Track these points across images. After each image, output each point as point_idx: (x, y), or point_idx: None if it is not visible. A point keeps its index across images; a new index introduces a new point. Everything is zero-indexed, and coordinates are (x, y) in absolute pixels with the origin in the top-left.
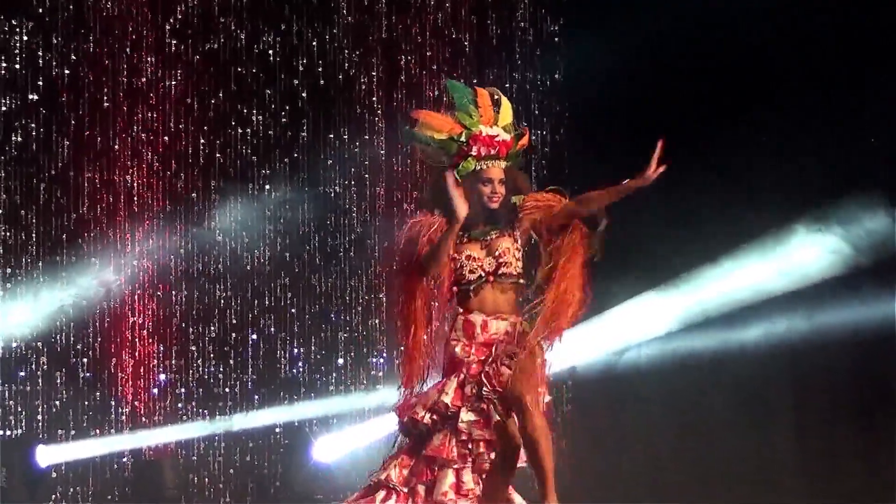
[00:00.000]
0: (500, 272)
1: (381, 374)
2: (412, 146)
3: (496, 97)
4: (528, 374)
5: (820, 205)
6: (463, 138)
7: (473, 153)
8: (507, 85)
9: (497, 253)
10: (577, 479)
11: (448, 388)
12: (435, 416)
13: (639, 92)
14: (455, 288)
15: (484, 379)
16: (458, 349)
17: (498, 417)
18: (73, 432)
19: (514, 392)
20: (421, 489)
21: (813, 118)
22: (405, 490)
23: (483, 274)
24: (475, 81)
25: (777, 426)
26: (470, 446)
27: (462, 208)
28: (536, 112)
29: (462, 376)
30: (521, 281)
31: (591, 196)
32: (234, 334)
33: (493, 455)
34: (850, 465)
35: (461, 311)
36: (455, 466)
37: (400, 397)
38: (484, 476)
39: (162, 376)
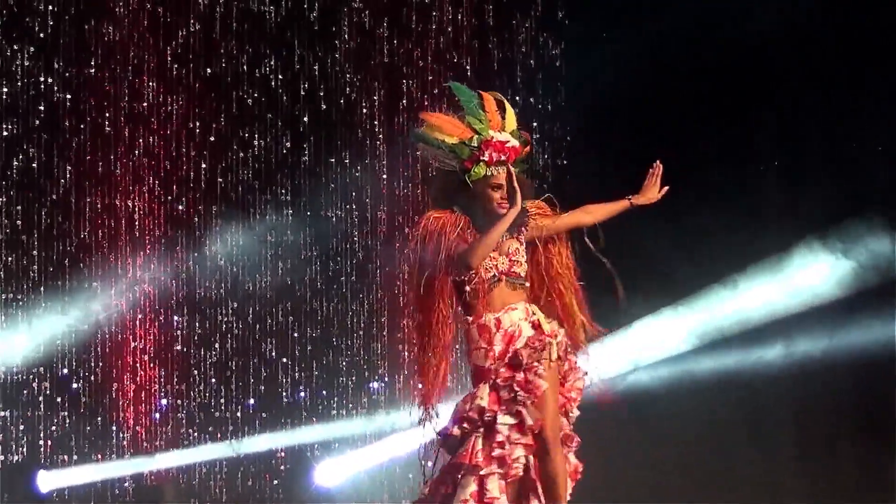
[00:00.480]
0: (512, 270)
1: (382, 398)
2: (418, 147)
3: (501, 102)
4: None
5: (826, 226)
6: (475, 143)
7: (485, 158)
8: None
9: (509, 251)
10: (582, 492)
11: (481, 392)
12: (467, 425)
13: (642, 115)
14: (466, 289)
15: (517, 388)
16: (481, 359)
17: (531, 421)
18: (74, 457)
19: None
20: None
21: (817, 136)
22: None
23: (497, 273)
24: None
25: (782, 446)
26: (507, 448)
27: (519, 198)
28: (538, 135)
29: (492, 380)
30: (527, 283)
31: (596, 207)
32: (235, 359)
33: (529, 458)
34: (850, 484)
35: (469, 318)
36: (481, 473)
37: (422, 415)
38: (512, 482)
39: (163, 401)
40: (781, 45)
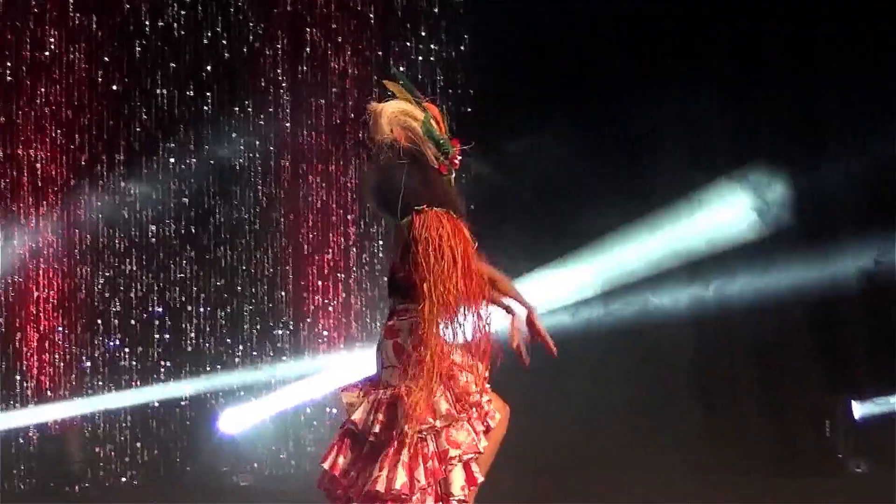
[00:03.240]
0: None
1: (286, 345)
2: (391, 136)
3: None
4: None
5: (729, 174)
6: (449, 143)
7: (456, 161)
8: (413, 57)
9: None
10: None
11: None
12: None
13: (545, 62)
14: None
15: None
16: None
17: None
18: None
19: None
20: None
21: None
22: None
23: None
24: (380, 53)
25: (681, 389)
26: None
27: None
28: (441, 84)
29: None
30: None
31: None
32: (139, 307)
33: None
34: (750, 429)
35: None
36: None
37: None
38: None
39: (66, 350)
40: (690, 17)
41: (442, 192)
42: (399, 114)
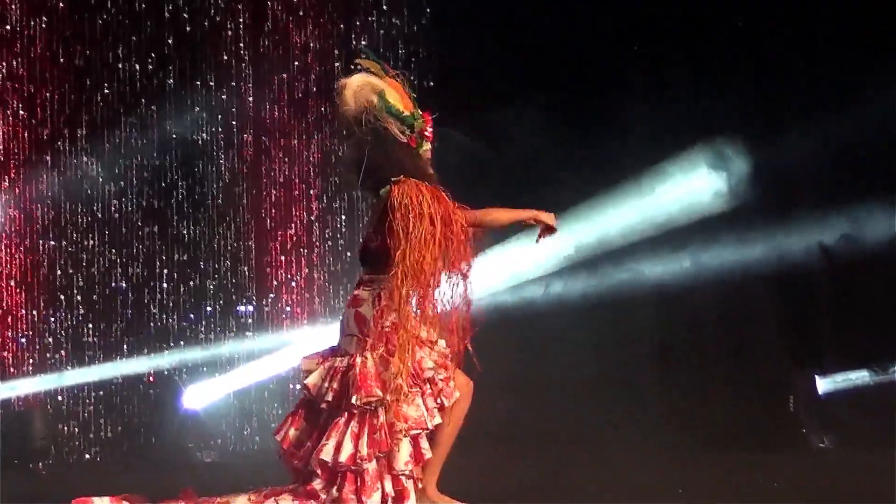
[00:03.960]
0: None
1: (250, 321)
2: (357, 111)
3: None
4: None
5: (691, 148)
6: (419, 117)
7: (427, 133)
8: (375, 31)
9: None
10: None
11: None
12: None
13: (509, 35)
14: None
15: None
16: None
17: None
18: None
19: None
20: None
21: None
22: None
23: None
24: (342, 27)
25: (644, 363)
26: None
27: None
28: (403, 58)
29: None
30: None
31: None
32: (102, 283)
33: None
34: (713, 404)
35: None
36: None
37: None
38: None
39: (29, 326)
40: None
41: (411, 166)
42: (361, 87)
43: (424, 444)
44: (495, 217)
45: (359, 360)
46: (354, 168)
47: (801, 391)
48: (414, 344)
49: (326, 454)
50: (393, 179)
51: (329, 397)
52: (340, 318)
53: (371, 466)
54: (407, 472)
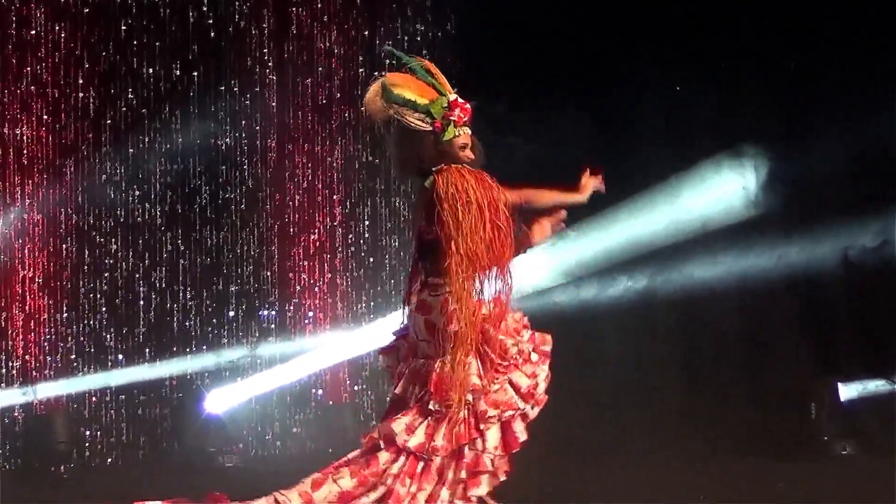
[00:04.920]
0: None
1: (272, 326)
2: (376, 107)
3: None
4: None
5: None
6: (444, 104)
7: (454, 119)
8: (399, 37)
9: None
10: None
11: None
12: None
13: (532, 43)
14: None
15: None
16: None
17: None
18: None
19: None
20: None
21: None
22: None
23: None
24: (366, 33)
25: (666, 371)
26: None
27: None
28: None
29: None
30: None
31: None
32: (125, 288)
33: None
34: (735, 411)
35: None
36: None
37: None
38: None
39: (52, 330)
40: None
41: (436, 153)
42: (371, 92)
43: (518, 426)
44: (545, 197)
45: (437, 364)
46: (394, 165)
47: (823, 398)
48: (475, 338)
49: (398, 426)
50: (434, 169)
51: (417, 394)
52: (407, 314)
53: (437, 460)
54: (493, 455)
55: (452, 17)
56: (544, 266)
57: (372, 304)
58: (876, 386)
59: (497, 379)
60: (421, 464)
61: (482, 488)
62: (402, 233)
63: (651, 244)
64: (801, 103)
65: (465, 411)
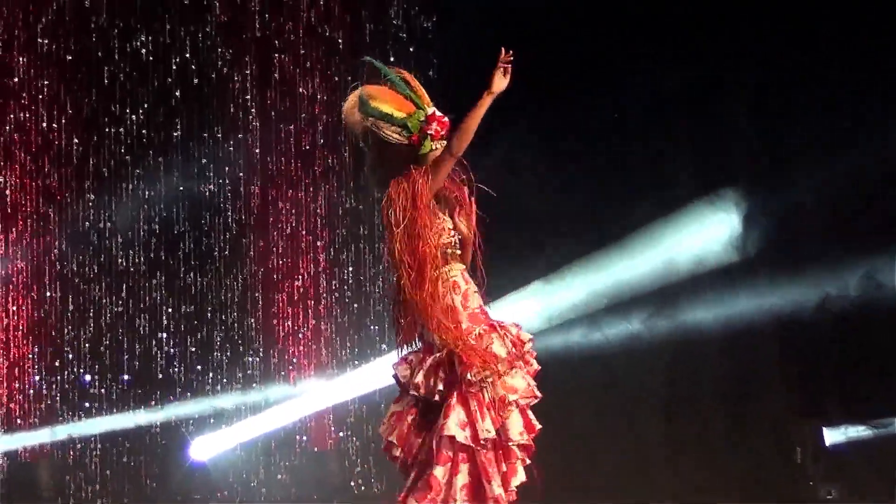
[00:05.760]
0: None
1: (256, 372)
2: (353, 122)
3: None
4: None
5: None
6: (422, 117)
7: (431, 132)
8: (382, 80)
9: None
10: None
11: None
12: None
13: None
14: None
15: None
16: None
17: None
18: None
19: None
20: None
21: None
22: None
23: (457, 241)
24: (349, 79)
25: (648, 415)
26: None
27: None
28: None
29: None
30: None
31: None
32: (109, 334)
33: None
34: (720, 455)
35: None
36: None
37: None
38: None
39: (36, 377)
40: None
41: (405, 165)
42: (349, 104)
43: (531, 415)
44: (468, 125)
45: (453, 345)
46: (370, 178)
47: (807, 443)
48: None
49: (451, 430)
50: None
51: (440, 387)
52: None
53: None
54: (524, 442)
55: (435, 62)
56: (532, 311)
57: (356, 349)
58: (858, 431)
59: (516, 364)
60: (478, 456)
61: (519, 477)
62: (386, 279)
63: (633, 288)
64: (783, 144)
65: (489, 393)
